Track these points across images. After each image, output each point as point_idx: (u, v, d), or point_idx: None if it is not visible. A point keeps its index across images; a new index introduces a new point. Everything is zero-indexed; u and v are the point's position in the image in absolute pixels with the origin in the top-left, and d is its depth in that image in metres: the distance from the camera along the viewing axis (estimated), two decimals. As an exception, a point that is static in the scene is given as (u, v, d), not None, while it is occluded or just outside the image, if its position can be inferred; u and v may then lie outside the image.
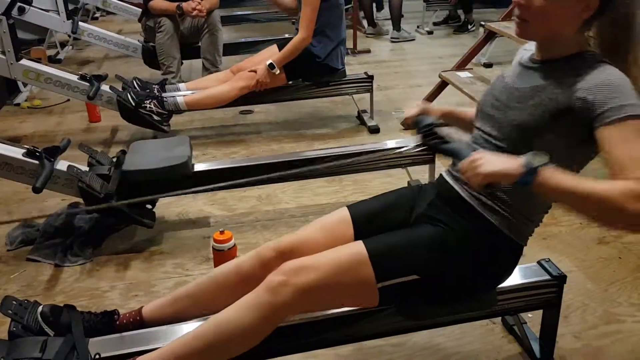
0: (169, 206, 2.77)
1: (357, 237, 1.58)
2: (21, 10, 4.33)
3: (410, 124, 1.61)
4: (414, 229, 1.54)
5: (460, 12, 6.64)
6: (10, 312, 1.57)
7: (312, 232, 1.63)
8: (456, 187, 1.52)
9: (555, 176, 1.20)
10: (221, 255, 2.18)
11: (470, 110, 1.66)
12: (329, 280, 1.40)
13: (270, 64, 3.37)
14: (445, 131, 1.54)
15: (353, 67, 4.93)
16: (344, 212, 1.64)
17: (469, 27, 6.34)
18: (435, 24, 6.62)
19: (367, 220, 1.62)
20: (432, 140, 1.53)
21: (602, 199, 1.15)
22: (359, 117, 3.89)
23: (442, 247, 1.46)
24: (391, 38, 6.10)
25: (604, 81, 1.27)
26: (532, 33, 1.40)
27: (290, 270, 1.40)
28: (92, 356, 1.47)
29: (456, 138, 1.53)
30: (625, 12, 1.32)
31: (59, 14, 4.72)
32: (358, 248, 1.45)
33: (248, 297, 1.42)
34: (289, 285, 1.38)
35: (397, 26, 6.08)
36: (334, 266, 1.41)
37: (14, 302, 1.61)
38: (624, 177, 1.17)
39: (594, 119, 1.25)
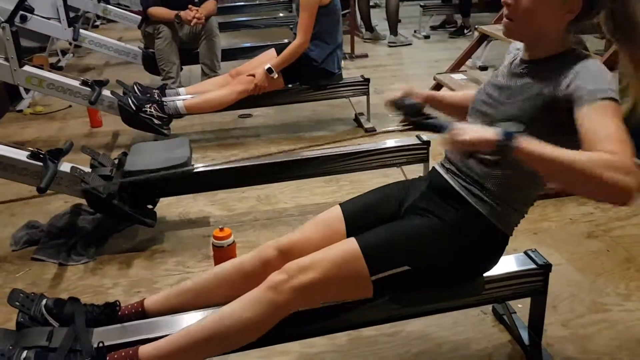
0: (169, 207, 2.83)
1: (349, 233, 1.64)
2: (23, 18, 4.41)
3: (394, 105, 1.67)
4: (404, 221, 1.61)
5: (457, 16, 6.73)
6: (17, 304, 1.64)
7: (309, 230, 1.71)
8: (448, 177, 1.59)
9: (534, 143, 1.25)
10: (221, 252, 2.25)
11: (453, 94, 1.72)
12: (327, 278, 1.48)
13: (269, 68, 3.43)
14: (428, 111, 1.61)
15: (351, 71, 5.01)
16: (337, 210, 1.73)
17: (465, 31, 6.42)
18: (432, 27, 6.71)
19: (359, 215, 1.70)
20: (415, 117, 1.60)
21: (583, 169, 1.19)
22: (356, 119, 3.96)
23: (430, 237, 1.53)
24: (388, 42, 6.19)
25: (582, 70, 1.35)
26: (517, 32, 1.47)
27: (291, 269, 1.48)
28: (96, 344, 1.53)
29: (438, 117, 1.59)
30: (622, 4, 1.37)
31: (60, 21, 4.79)
32: (351, 245, 1.52)
33: (252, 293, 1.49)
34: (290, 284, 1.46)
35: (394, 31, 6.16)
36: (330, 264, 1.49)
37: (21, 295, 1.67)
38: (597, 150, 1.22)
39: (574, 103, 1.32)
